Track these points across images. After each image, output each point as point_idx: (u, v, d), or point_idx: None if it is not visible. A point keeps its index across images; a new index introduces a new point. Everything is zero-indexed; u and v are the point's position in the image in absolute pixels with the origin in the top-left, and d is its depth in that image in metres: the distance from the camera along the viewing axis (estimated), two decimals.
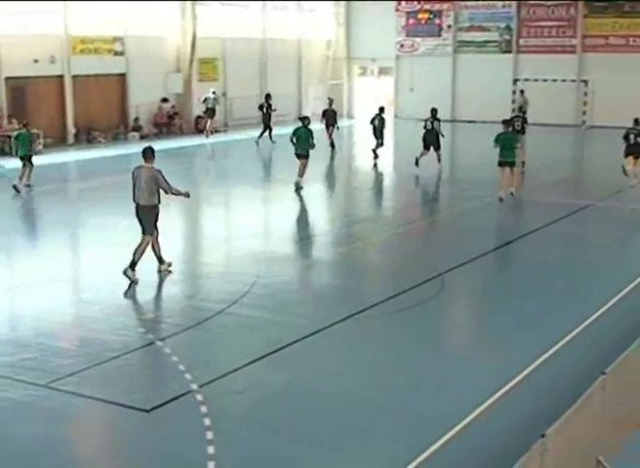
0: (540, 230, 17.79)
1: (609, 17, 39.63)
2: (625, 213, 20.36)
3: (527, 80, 39.92)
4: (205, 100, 35.13)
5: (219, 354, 10.80)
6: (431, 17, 43.50)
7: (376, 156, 28.08)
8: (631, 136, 22.40)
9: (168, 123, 36.32)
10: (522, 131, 24.82)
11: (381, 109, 28.40)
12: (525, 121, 25.71)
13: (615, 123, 36.17)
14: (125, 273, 13.41)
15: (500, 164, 20.75)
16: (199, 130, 36.57)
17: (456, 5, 42.88)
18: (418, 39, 43.96)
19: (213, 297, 12.98)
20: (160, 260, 14.07)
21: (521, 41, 41.70)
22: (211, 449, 8.01)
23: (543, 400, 9.13)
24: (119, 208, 17.38)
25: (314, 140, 22.15)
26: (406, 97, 41.63)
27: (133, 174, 13.80)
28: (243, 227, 18.62)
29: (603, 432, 7.22)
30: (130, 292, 13.08)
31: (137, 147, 31.13)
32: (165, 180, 13.60)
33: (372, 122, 28.22)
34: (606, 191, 22.51)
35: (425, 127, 25.95)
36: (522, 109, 31.79)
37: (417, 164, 25.34)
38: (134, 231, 14.13)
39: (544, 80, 39.30)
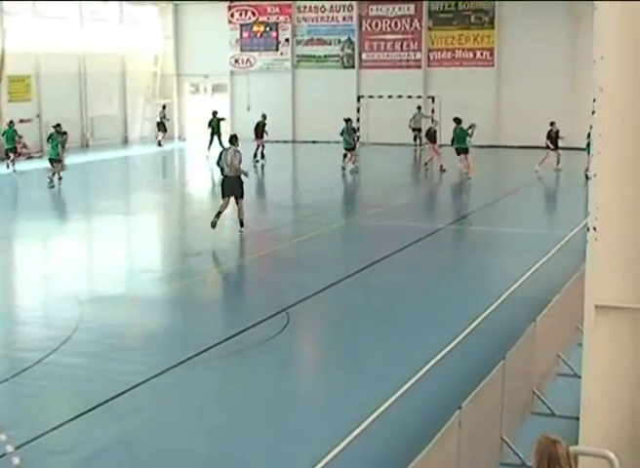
0: (391, 257, 18.16)
1: (454, 29, 41.12)
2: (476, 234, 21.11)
3: (371, 97, 40.94)
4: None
5: (38, 410, 10.43)
6: (267, 29, 44.03)
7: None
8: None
9: None
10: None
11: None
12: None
13: None
14: (241, 232, 20.00)
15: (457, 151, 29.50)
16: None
17: (293, 17, 43.58)
18: (254, 53, 44.39)
19: (30, 345, 12.58)
20: (241, 222, 20.22)
21: (364, 55, 42.76)
22: None
23: (397, 439, 9.26)
24: None
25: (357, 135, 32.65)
26: (243, 117, 41.83)
27: (220, 154, 20.11)
28: (64, 265, 18.16)
29: None
30: None
31: None
32: (240, 160, 19.87)
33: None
34: (457, 213, 23.28)
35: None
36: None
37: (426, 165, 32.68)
38: None
39: (390, 96, 40.37)
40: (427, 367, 11.44)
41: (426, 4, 41.26)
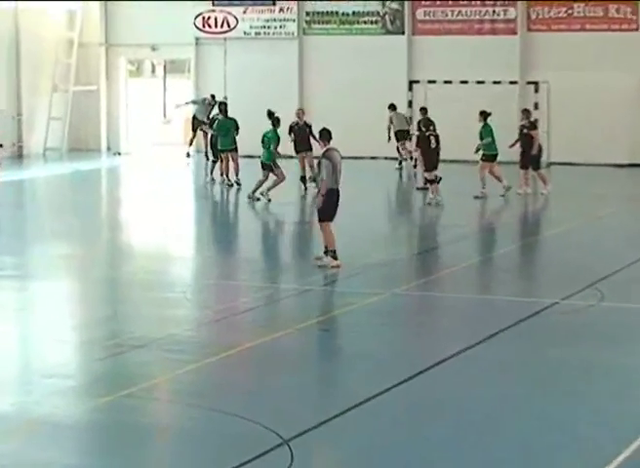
0: (467, 352, 18.06)
1: None
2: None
3: (432, 82, 40.96)
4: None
5: None
6: None
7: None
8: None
9: None
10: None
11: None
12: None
13: (588, 158, 37.48)
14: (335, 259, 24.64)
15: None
16: None
17: None
18: (234, 10, 44.69)
19: None
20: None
21: (419, 13, 42.92)
22: None
23: None
24: None
25: None
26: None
27: (319, 163, 24.48)
28: None
29: None
30: None
31: None
32: None
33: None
34: (579, 280, 23.16)
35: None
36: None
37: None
38: None
39: (463, 82, 40.37)
40: None
41: None
